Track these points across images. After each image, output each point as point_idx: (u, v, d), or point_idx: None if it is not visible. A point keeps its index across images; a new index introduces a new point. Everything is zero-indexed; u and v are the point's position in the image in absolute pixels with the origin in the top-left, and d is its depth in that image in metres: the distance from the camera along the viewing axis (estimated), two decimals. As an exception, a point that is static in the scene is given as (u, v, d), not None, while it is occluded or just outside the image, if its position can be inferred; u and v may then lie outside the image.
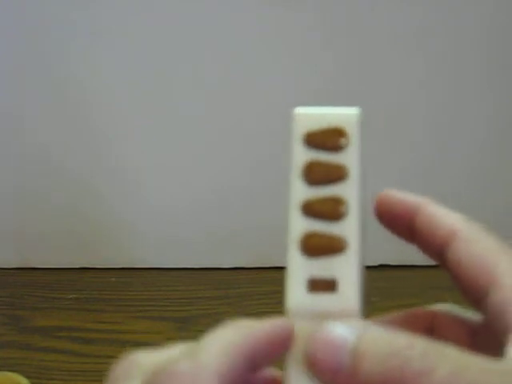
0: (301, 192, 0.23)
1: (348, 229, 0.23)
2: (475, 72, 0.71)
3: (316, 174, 0.23)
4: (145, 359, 0.22)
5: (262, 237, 0.79)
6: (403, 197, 0.25)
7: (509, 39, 0.70)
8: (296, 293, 0.23)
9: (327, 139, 0.24)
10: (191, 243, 0.80)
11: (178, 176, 0.77)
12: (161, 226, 0.80)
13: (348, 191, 0.23)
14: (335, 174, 0.23)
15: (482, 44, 0.70)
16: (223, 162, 0.76)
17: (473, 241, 0.23)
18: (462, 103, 0.72)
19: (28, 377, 0.62)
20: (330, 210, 0.23)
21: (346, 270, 0.23)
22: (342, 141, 0.24)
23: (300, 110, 0.25)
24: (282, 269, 0.23)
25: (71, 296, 0.78)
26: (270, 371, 0.24)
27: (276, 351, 0.22)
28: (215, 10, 0.69)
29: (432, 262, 0.25)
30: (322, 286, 0.22)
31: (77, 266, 0.82)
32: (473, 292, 0.23)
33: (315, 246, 0.23)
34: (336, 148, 0.24)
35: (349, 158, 0.24)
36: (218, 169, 0.77)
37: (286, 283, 0.23)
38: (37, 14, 0.70)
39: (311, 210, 0.23)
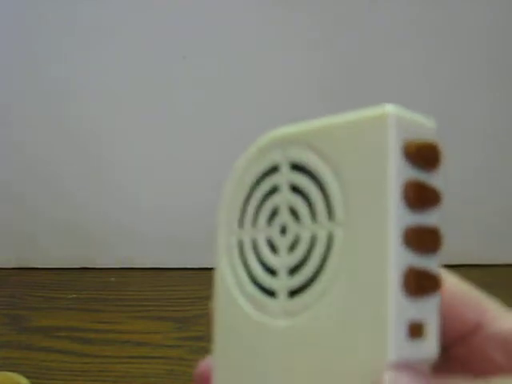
0: (403, 218, 0.19)
1: (438, 265, 0.20)
2: (475, 72, 0.71)
3: (419, 198, 0.20)
4: None
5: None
6: None
7: (509, 39, 0.70)
8: (397, 340, 0.19)
9: (430, 157, 0.21)
10: (191, 243, 0.80)
11: (177, 176, 0.77)
12: (161, 225, 0.80)
13: (439, 220, 0.20)
14: (434, 200, 0.20)
15: (482, 44, 0.70)
16: (223, 162, 0.76)
17: None
18: (461, 103, 0.72)
19: (28, 377, 0.62)
20: (431, 243, 0.20)
21: (434, 313, 0.20)
22: (441, 160, 0.21)
23: (393, 111, 0.21)
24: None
25: (71, 296, 0.78)
26: None
27: None
28: (215, 10, 0.69)
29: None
30: (417, 330, 0.19)
31: (77, 266, 0.82)
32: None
33: (419, 286, 0.19)
34: (435, 168, 0.21)
35: (440, 180, 0.20)
36: (218, 169, 0.77)
37: (382, 328, 0.19)
38: (35, 13, 0.70)
39: (414, 240, 0.19)
